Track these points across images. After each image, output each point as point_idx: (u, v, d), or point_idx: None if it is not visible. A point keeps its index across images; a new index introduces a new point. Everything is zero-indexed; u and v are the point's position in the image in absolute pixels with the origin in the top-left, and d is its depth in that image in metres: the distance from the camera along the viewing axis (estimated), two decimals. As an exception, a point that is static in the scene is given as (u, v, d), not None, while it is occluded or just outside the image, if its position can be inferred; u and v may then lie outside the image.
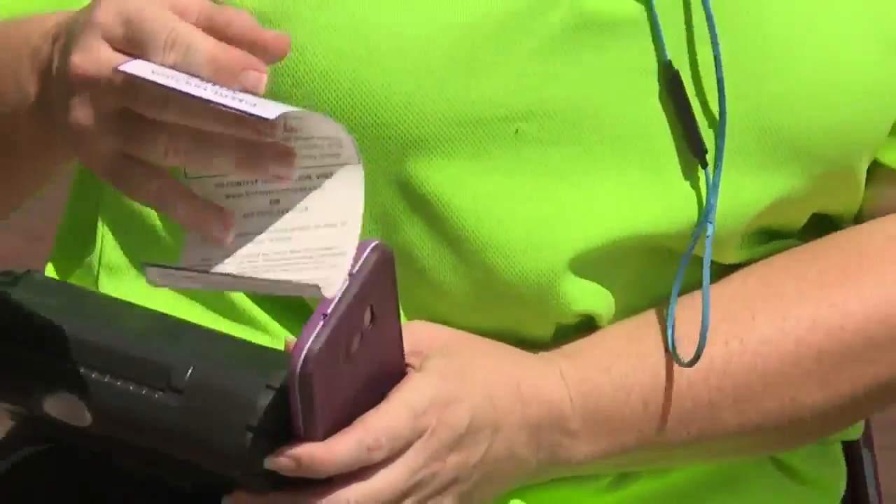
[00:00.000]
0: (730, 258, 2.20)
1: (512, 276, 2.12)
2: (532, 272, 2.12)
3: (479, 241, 2.12)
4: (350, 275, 1.90)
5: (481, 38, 2.09)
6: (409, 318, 2.11)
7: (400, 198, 2.14)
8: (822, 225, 2.25)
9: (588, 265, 2.12)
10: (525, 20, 2.09)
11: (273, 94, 1.96)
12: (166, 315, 2.07)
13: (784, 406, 2.19)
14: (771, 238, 2.21)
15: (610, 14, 2.08)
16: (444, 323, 2.13)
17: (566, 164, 2.11)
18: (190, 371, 1.99)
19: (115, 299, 2.11)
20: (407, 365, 2.05)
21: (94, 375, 2.00)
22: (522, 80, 2.10)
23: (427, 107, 2.10)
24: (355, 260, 1.92)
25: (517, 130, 2.10)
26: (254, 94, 1.81)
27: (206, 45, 1.81)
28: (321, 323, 1.93)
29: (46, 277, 2.12)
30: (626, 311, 2.18)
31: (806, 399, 2.18)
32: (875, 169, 2.21)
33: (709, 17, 2.06)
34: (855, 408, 2.23)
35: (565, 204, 2.13)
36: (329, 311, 1.93)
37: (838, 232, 2.23)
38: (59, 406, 2.01)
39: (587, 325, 2.16)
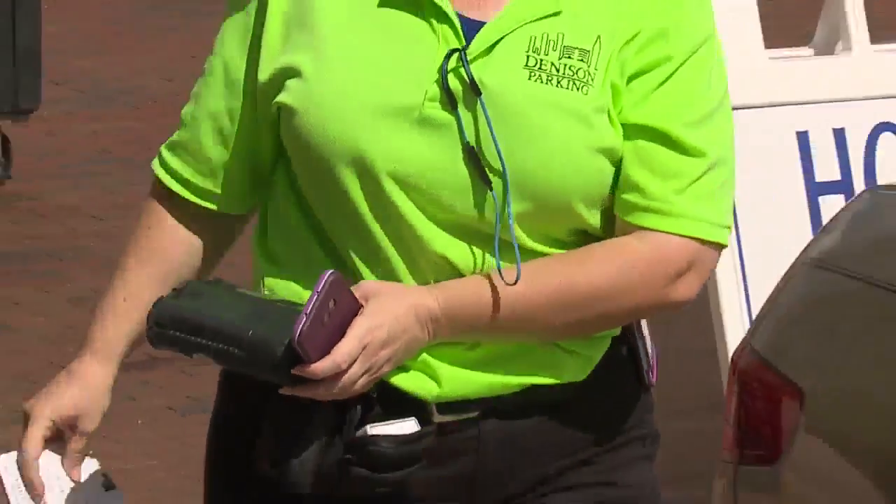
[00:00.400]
0: (531, 245, 2.49)
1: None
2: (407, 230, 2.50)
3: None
4: (317, 291, 2.36)
5: (388, 115, 2.45)
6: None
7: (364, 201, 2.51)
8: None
9: (447, 228, 2.48)
10: (404, 114, 2.43)
11: (302, 139, 2.52)
12: (253, 297, 2.54)
13: (551, 320, 2.49)
14: (553, 243, 2.51)
15: (438, 117, 2.41)
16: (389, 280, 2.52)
17: (425, 184, 2.46)
18: (249, 334, 2.44)
19: (233, 293, 2.52)
20: (361, 306, 2.41)
21: (208, 343, 2.44)
22: (402, 141, 2.45)
23: (358, 147, 2.48)
24: (320, 281, 2.39)
25: (396, 168, 2.46)
26: None
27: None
28: (305, 314, 2.35)
29: (195, 286, 2.55)
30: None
31: (562, 317, 2.49)
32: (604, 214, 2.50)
33: (487, 121, 2.39)
34: (589, 325, 2.52)
35: (428, 202, 2.46)
36: (308, 309, 2.36)
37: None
38: (199, 356, 2.43)
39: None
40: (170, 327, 2.48)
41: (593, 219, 2.47)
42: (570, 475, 2.53)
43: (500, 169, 2.43)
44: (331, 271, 2.40)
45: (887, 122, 4.32)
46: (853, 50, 4.25)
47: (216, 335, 2.47)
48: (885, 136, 4.31)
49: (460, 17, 2.43)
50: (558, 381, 2.49)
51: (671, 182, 2.40)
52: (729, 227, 2.46)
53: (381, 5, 2.48)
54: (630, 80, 2.40)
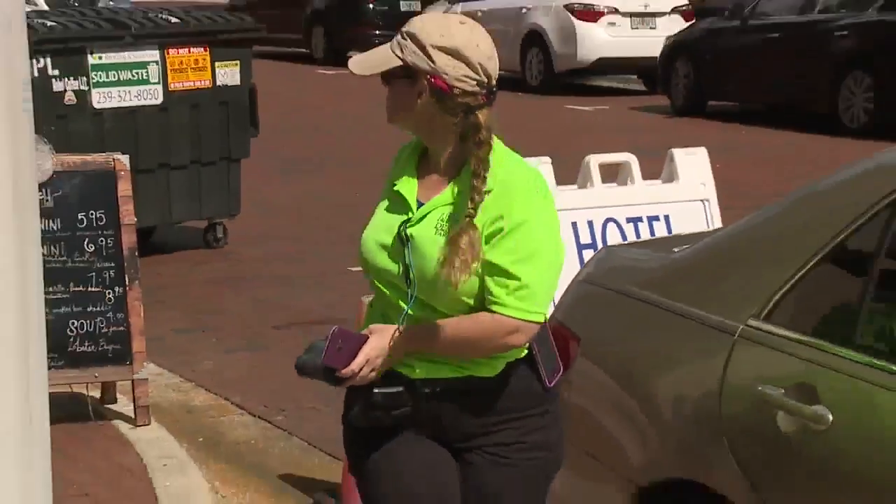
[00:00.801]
0: (442, 310, 2.20)
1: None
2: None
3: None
4: (327, 338, 2.16)
5: (381, 247, 2.22)
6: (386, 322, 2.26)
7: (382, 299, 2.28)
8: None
9: (401, 299, 2.21)
10: (386, 248, 2.21)
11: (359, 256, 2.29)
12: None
13: (450, 349, 2.18)
14: (452, 310, 2.19)
15: (398, 250, 2.20)
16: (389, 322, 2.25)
17: (391, 279, 2.21)
18: (320, 364, 2.17)
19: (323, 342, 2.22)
20: (367, 337, 2.19)
21: (309, 372, 2.20)
22: (385, 260, 2.21)
23: (371, 261, 2.24)
24: (328, 333, 2.18)
25: (382, 271, 2.22)
26: None
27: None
28: (324, 351, 2.14)
29: (313, 343, 2.23)
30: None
31: (454, 349, 2.18)
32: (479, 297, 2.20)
33: (410, 255, 2.17)
34: (471, 354, 2.20)
35: (393, 287, 2.22)
36: (326, 348, 2.14)
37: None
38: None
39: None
40: (299, 368, 2.22)
41: (472, 300, 2.18)
42: (495, 435, 2.25)
43: (411, 278, 2.18)
44: (335, 327, 2.21)
45: (610, 218, 4.24)
46: (595, 186, 4.25)
47: (309, 368, 2.20)
48: (610, 224, 4.23)
49: (419, 202, 2.23)
50: (478, 375, 2.21)
51: (504, 289, 2.13)
52: (542, 313, 2.19)
53: (392, 200, 2.25)
54: (487, 238, 2.13)
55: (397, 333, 2.18)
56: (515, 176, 2.18)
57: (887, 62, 10.45)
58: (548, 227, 2.19)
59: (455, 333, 2.18)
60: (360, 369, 2.16)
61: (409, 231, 2.20)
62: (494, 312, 2.15)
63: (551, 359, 2.29)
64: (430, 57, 2.10)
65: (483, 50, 2.12)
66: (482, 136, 2.14)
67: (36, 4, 12.52)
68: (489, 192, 2.15)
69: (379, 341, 2.17)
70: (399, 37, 2.15)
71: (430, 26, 2.13)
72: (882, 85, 10.46)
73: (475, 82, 2.12)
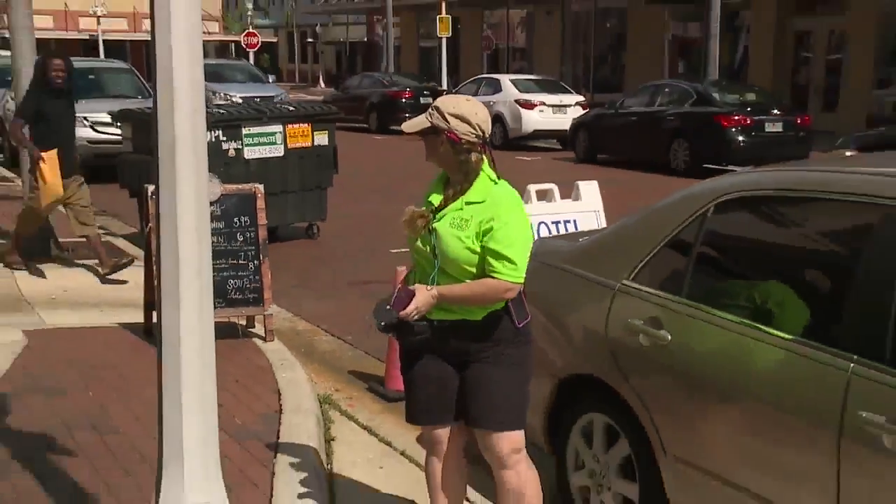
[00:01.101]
0: (456, 276, 2.01)
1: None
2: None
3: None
4: (396, 294, 1.97)
5: (420, 236, 2.07)
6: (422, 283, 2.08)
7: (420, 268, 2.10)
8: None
9: (429, 268, 2.04)
10: (423, 236, 2.05)
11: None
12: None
13: (464, 301, 2.02)
14: (463, 276, 2.03)
15: (428, 237, 2.02)
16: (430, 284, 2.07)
17: (424, 256, 2.04)
18: (383, 307, 1.98)
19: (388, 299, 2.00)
20: (414, 292, 2.02)
21: (385, 320, 1.96)
22: (420, 244, 2.06)
23: (412, 244, 2.08)
24: (395, 292, 1.97)
25: (418, 252, 2.08)
26: None
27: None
28: (391, 304, 1.97)
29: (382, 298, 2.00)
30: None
31: (467, 301, 2.01)
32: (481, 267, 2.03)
33: (434, 241, 1.98)
34: (477, 304, 2.02)
35: (426, 262, 2.06)
36: (391, 304, 1.97)
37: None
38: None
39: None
40: (383, 328, 2.00)
41: (474, 270, 2.02)
42: (484, 353, 2.09)
43: (436, 254, 2.02)
44: (400, 286, 2.05)
45: (542, 221, 4.11)
46: (533, 203, 4.12)
47: (379, 315, 1.99)
48: (542, 225, 4.11)
49: (442, 208, 2.06)
50: (470, 319, 2.06)
51: (499, 264, 1.99)
52: (522, 277, 2.03)
53: (426, 207, 2.05)
54: (484, 233, 2.00)
55: (429, 289, 2.06)
56: (502, 193, 2.12)
57: (696, 134, 11.35)
58: (523, 225, 2.11)
59: (468, 291, 2.04)
60: (412, 313, 2.03)
61: (434, 226, 2.10)
62: (494, 278, 2.03)
63: (522, 309, 2.14)
64: (446, 120, 2.07)
65: (480, 116, 2.09)
66: (469, 170, 2.11)
67: (234, 103, 12.21)
68: (483, 202, 2.06)
69: (422, 293, 2.06)
70: (429, 109, 2.13)
71: (447, 102, 2.12)
72: (693, 146, 11.31)
73: (475, 135, 2.09)
